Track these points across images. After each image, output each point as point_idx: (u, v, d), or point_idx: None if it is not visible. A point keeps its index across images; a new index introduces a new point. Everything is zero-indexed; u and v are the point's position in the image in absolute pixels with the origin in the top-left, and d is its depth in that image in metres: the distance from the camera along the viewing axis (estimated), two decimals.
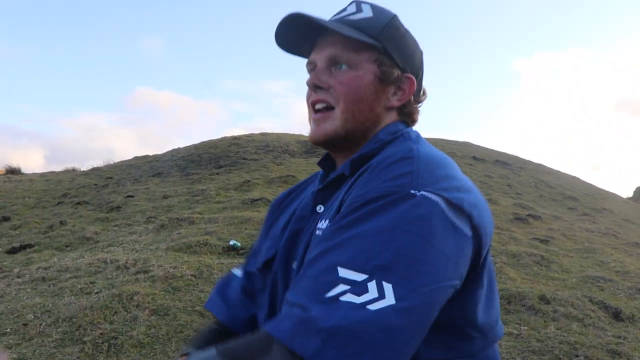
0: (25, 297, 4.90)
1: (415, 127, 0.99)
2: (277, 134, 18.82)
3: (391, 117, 0.95)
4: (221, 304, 1.07)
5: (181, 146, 17.98)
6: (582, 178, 22.39)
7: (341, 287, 0.68)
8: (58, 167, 20.38)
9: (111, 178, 14.12)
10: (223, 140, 17.54)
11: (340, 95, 0.90)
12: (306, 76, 0.98)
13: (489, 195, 11.41)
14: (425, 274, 0.69)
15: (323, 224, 0.86)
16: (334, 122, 0.91)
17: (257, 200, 9.04)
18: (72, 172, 16.23)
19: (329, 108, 0.92)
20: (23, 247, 7.47)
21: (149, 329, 4.15)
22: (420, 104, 1.00)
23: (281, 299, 0.90)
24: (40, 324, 4.15)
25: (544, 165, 21.38)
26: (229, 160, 14.28)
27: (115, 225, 8.59)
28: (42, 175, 16.16)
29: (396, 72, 0.93)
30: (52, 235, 8.21)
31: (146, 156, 17.56)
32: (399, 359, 0.67)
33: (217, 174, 12.92)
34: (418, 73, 0.97)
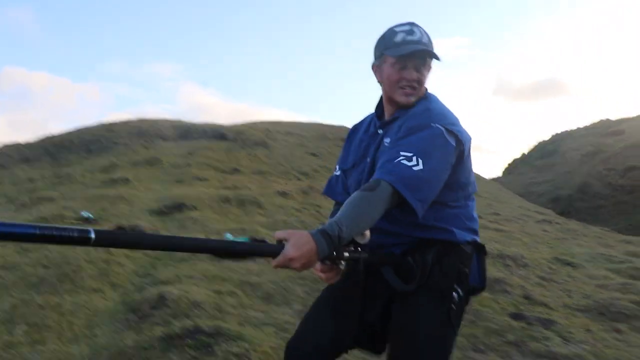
0: None
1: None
2: (155, 120, 18.85)
3: (425, 86, 1.74)
4: (335, 191, 1.92)
5: (56, 132, 17.70)
6: None
7: (401, 158, 1.49)
8: None
9: None
10: (99, 127, 17.51)
11: (422, 82, 1.70)
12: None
13: None
14: (437, 159, 1.52)
15: (387, 140, 1.68)
16: (417, 96, 1.70)
17: (117, 179, 9.78)
18: None
19: (415, 89, 1.69)
20: None
21: None
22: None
23: (363, 180, 1.73)
24: None
25: None
26: (100, 145, 14.54)
27: None
28: None
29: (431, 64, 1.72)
30: None
31: (17, 144, 17.21)
32: (430, 190, 1.50)
33: (86, 158, 13.26)
34: None
